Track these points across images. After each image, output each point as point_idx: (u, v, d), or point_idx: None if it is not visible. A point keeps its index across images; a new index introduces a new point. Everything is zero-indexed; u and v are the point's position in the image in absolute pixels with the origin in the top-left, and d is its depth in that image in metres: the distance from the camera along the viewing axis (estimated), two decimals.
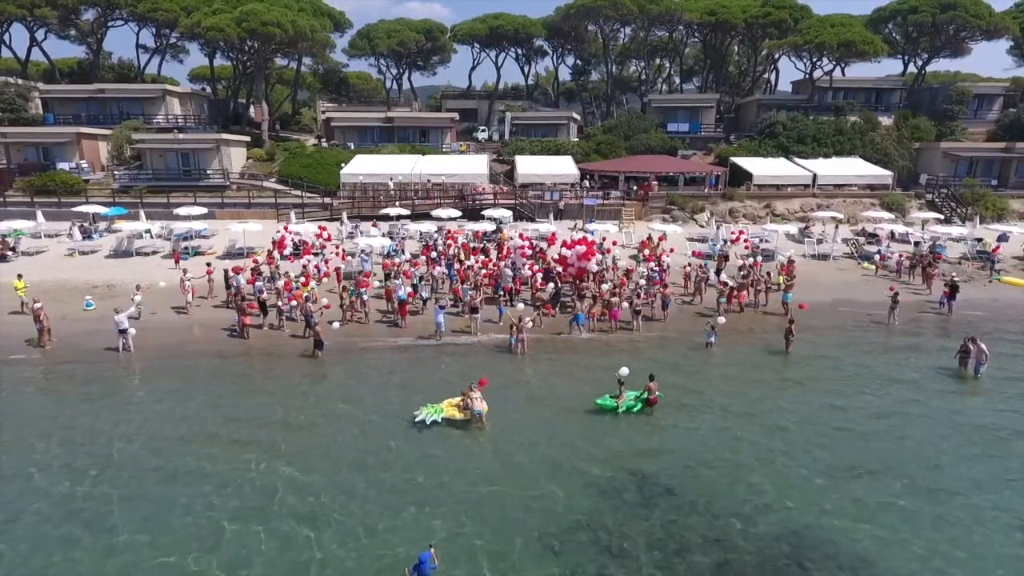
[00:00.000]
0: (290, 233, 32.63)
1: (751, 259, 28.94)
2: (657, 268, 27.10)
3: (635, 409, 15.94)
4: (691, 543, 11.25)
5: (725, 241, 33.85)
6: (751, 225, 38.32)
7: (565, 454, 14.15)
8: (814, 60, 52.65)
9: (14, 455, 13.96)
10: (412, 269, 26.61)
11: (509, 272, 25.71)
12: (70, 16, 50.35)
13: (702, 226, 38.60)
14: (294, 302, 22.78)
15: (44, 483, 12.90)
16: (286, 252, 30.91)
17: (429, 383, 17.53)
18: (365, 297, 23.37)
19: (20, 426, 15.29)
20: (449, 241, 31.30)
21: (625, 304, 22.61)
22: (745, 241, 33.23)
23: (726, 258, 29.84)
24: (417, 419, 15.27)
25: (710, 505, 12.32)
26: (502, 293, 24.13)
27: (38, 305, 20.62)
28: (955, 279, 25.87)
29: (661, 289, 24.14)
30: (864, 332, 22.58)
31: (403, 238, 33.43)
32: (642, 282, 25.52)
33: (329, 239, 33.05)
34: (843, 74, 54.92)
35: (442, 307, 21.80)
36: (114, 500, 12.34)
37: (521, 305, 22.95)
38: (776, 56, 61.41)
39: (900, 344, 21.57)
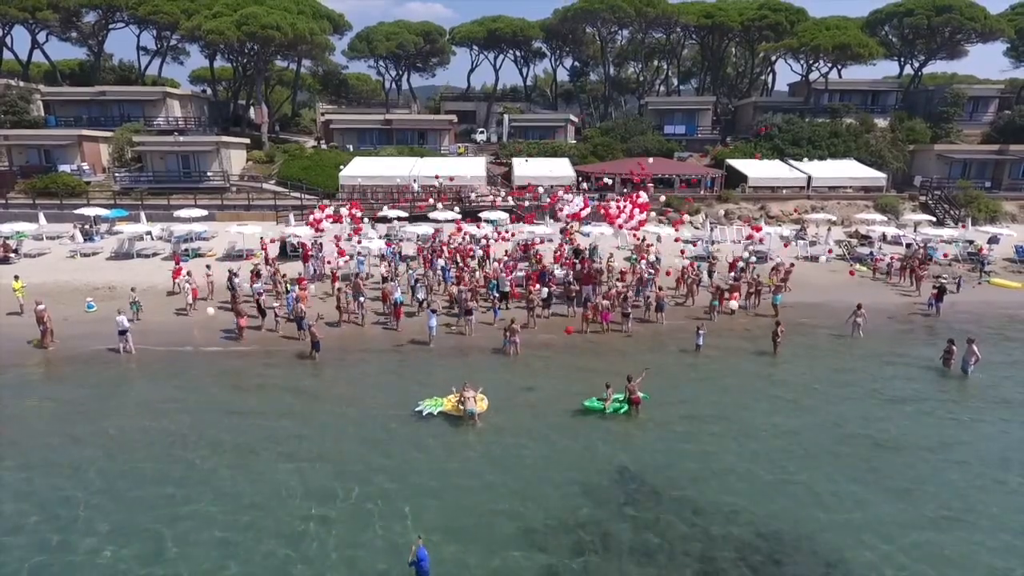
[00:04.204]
0: (274, 242, 31.29)
1: (743, 262, 29.22)
2: (653, 272, 27.36)
3: (621, 411, 16.32)
4: (673, 541, 11.60)
5: (715, 242, 34.13)
6: (746, 226, 38.58)
7: (552, 454, 14.52)
8: (810, 62, 53.01)
9: (10, 453, 14.37)
10: (409, 272, 26.96)
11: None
12: (71, 19, 50.76)
13: (697, 228, 38.91)
14: (299, 300, 23.13)
15: (40, 482, 13.30)
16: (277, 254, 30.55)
17: (423, 384, 17.89)
18: (362, 299, 23.74)
19: (19, 425, 15.70)
20: (442, 246, 31.45)
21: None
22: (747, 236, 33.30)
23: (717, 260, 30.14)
24: (416, 409, 16.16)
25: (692, 505, 12.65)
26: (497, 295, 24.46)
27: (41, 307, 20.96)
28: (943, 281, 26.19)
29: (656, 291, 24.49)
30: (852, 333, 22.87)
31: (400, 240, 33.73)
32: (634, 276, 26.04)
33: (318, 222, 31.90)
34: (839, 76, 55.24)
35: (434, 311, 22.13)
36: (92, 502, 12.74)
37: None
38: (772, 59, 61.81)
39: (887, 346, 21.86)
